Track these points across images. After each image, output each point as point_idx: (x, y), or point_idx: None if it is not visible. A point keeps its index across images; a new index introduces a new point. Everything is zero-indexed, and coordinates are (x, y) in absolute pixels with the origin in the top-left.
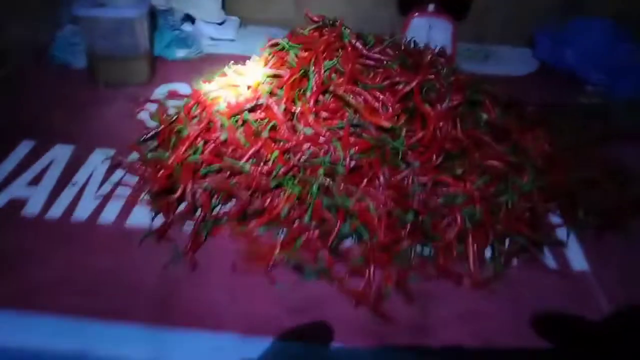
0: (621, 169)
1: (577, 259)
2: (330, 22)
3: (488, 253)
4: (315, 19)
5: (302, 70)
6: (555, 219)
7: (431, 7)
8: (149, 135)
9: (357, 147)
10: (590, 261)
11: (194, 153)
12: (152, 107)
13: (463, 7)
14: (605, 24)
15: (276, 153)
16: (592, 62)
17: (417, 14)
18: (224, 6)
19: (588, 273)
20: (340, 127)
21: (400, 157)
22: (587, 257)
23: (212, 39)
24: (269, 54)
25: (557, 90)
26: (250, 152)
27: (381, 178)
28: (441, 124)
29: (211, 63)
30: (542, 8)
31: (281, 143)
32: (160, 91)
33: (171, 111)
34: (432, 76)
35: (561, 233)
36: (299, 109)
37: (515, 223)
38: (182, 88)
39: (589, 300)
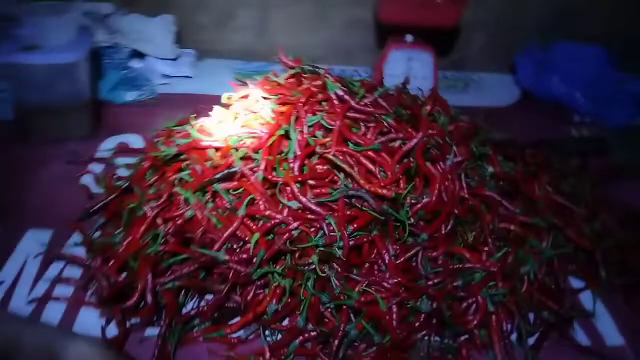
0: (633, 211)
1: (609, 331)
2: (310, 67)
3: (513, 335)
4: (291, 63)
5: (282, 129)
6: (575, 282)
7: (409, 37)
8: (94, 207)
9: (355, 223)
10: (623, 332)
11: (153, 240)
12: (98, 167)
13: (443, 35)
14: (591, 49)
15: (257, 236)
16: (580, 90)
17: (394, 46)
18: (177, 39)
19: (624, 348)
20: (333, 199)
21: (406, 230)
22: (619, 328)
23: (166, 76)
24: (239, 107)
25: (543, 121)
26: (225, 235)
27: (386, 258)
28: (446, 183)
29: (167, 106)
30: (524, 31)
31: (262, 222)
32: (107, 146)
33: (122, 172)
34: (433, 130)
35: (585, 297)
36: (281, 177)
37: (540, 297)
38: (134, 140)
39: None
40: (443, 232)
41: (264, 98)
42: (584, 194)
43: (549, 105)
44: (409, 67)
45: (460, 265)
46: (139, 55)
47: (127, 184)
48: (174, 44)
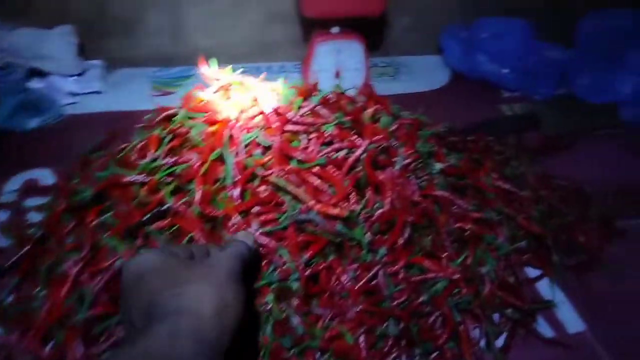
0: (575, 188)
1: (570, 318)
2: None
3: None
4: (216, 75)
5: (215, 152)
6: (530, 271)
7: (335, 29)
8: (4, 265)
9: (309, 250)
10: (583, 317)
11: (80, 302)
12: (3, 214)
13: (372, 23)
14: (513, 22)
15: None
16: (506, 65)
17: (321, 39)
18: (81, 49)
19: (586, 333)
20: (282, 227)
21: (363, 248)
22: (579, 313)
23: (73, 94)
24: (162, 131)
25: (475, 101)
26: None
27: (346, 282)
28: (397, 189)
29: (77, 129)
30: (447, 10)
31: None
32: (11, 186)
33: (33, 217)
34: (378, 136)
35: (542, 286)
36: (220, 209)
37: (502, 295)
38: (44, 176)
39: None
40: (400, 242)
41: (190, 118)
42: (526, 174)
43: (478, 84)
44: (338, 60)
45: (422, 277)
46: (37, 74)
47: (40, 232)
48: (77, 57)
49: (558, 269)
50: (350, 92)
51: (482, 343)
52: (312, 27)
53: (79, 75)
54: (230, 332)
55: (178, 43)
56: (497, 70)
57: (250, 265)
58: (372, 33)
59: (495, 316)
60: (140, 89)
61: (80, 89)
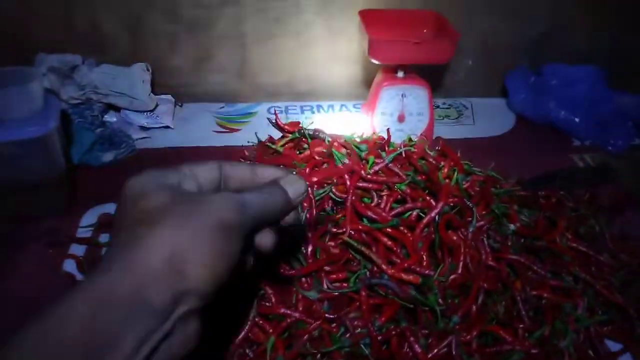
0: None
1: None
2: (310, 131)
3: None
4: (289, 128)
5: None
6: (610, 344)
7: (401, 73)
8: None
9: (382, 315)
10: None
11: None
12: (80, 249)
13: (437, 67)
14: (583, 68)
15: (272, 340)
16: (577, 113)
17: (386, 83)
18: (152, 86)
19: None
20: (354, 289)
21: (436, 315)
22: None
23: (144, 129)
24: None
25: (542, 148)
26: (239, 338)
27: (418, 349)
28: (470, 252)
29: (148, 162)
30: (511, 51)
31: (274, 322)
32: (88, 220)
33: None
34: (454, 197)
35: None
36: (294, 268)
37: None
38: None
39: None
40: (474, 309)
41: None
42: (603, 235)
43: (545, 130)
44: (402, 104)
45: (498, 348)
46: (112, 107)
47: None
48: (150, 92)
49: None
50: (415, 138)
51: None
52: (376, 69)
53: (151, 111)
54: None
55: (243, 80)
56: (567, 117)
57: (283, 230)
58: (435, 75)
59: None
60: (206, 125)
61: (151, 123)
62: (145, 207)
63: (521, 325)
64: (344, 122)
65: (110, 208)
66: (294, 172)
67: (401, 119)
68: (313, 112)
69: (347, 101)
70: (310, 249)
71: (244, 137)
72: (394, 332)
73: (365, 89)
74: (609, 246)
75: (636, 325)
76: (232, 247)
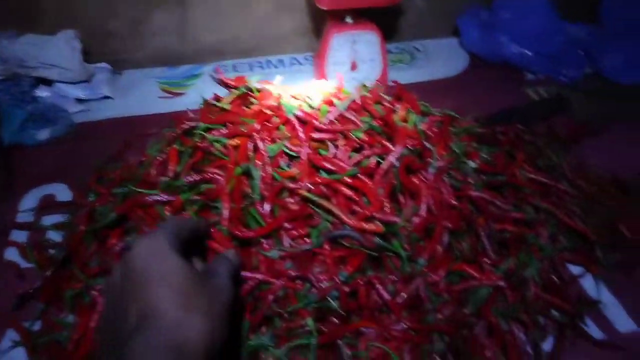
0: (612, 177)
1: (619, 317)
2: (256, 85)
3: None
4: (232, 82)
5: (240, 167)
6: (573, 269)
7: (349, 19)
8: (28, 291)
9: (347, 266)
10: (633, 316)
11: None
12: (22, 234)
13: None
14: (534, 2)
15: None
16: (529, 47)
17: (335, 30)
18: (86, 54)
19: (638, 333)
20: (317, 245)
21: (402, 260)
22: (628, 311)
23: (82, 101)
24: (181, 145)
25: (497, 85)
26: None
27: (387, 298)
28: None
29: (90, 138)
30: None
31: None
32: (27, 204)
33: (53, 236)
34: (411, 139)
35: (587, 283)
36: (250, 227)
37: (548, 298)
38: (60, 191)
39: None
40: (440, 250)
41: (208, 130)
42: (561, 165)
43: (500, 67)
44: (354, 52)
45: (465, 285)
46: (43, 81)
47: (62, 254)
48: (83, 63)
49: (603, 266)
50: (370, 85)
51: (529, 349)
52: (324, 17)
53: (86, 81)
54: None
55: (185, 41)
56: (520, 52)
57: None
58: (386, 19)
59: (541, 319)
60: (149, 91)
61: (89, 95)
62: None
63: (486, 260)
64: (297, 75)
65: (51, 189)
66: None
67: (354, 66)
68: (263, 69)
69: (297, 54)
70: (268, 208)
71: (191, 100)
72: (360, 282)
73: (315, 39)
74: (567, 175)
75: (596, 248)
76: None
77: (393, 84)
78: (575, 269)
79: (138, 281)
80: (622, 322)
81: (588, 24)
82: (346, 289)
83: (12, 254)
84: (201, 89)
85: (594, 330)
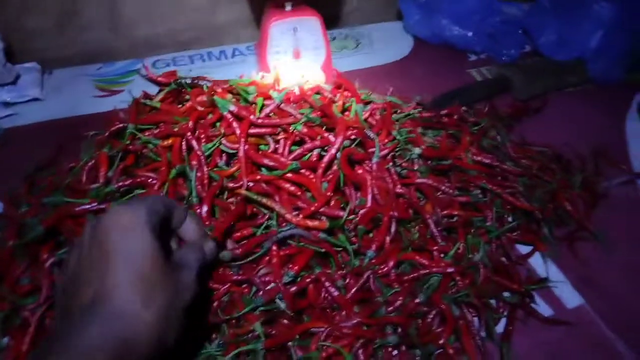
0: (553, 153)
1: (567, 293)
2: (186, 80)
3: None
4: (162, 79)
5: (175, 169)
6: (520, 247)
7: (288, 6)
8: None
9: (294, 265)
10: (580, 290)
11: None
12: None
13: None
14: None
15: None
16: (470, 28)
17: (275, 18)
18: (10, 53)
19: (585, 307)
20: (264, 251)
21: (349, 254)
22: (575, 286)
23: (8, 104)
24: (111, 148)
25: (442, 68)
26: None
27: (335, 294)
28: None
29: (18, 144)
30: None
31: None
32: None
33: None
34: (352, 130)
35: (534, 261)
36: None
37: (498, 280)
38: None
39: (603, 344)
40: (387, 240)
41: (138, 130)
42: (504, 145)
43: (443, 49)
44: (296, 39)
45: (416, 274)
46: None
47: None
48: (6, 63)
49: (549, 243)
50: (313, 73)
51: (483, 332)
52: (263, 5)
53: (12, 83)
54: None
55: (118, 36)
56: (461, 34)
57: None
58: (327, 5)
59: (492, 302)
60: (83, 91)
61: (15, 97)
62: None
63: (435, 247)
64: (240, 66)
65: None
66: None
67: (297, 55)
68: (204, 61)
69: (240, 44)
70: (205, 209)
71: (129, 98)
72: (308, 280)
73: (257, 29)
74: (511, 154)
75: (542, 226)
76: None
77: (334, 70)
78: (522, 248)
79: (103, 257)
80: (570, 297)
81: (524, 4)
82: (293, 288)
83: None
84: (140, 86)
85: (543, 308)
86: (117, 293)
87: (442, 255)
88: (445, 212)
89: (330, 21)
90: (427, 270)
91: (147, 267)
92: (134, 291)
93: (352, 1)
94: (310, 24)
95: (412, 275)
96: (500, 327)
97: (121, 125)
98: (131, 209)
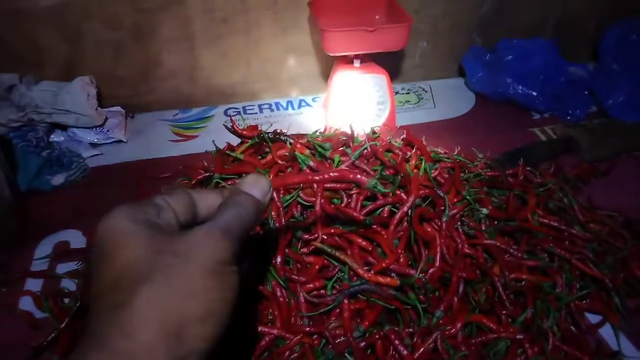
0: (623, 218)
1: None
2: (270, 134)
3: None
4: (246, 132)
5: None
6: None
7: (357, 62)
8: (43, 343)
9: (364, 320)
10: None
11: None
12: (37, 283)
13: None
14: (536, 42)
15: None
16: (534, 87)
17: (343, 74)
18: (99, 98)
19: None
20: (336, 304)
21: (419, 312)
22: None
23: (95, 145)
24: None
25: (505, 126)
26: None
27: (404, 352)
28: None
29: (103, 182)
30: (464, 30)
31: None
32: (42, 252)
33: (69, 286)
34: (424, 189)
35: (605, 332)
36: (269, 285)
37: (568, 350)
38: (74, 238)
39: None
40: (455, 301)
41: (222, 179)
42: (572, 207)
43: (505, 107)
44: (362, 94)
45: (484, 338)
46: (57, 126)
47: (78, 302)
48: (97, 108)
49: (620, 314)
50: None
51: None
52: (332, 59)
53: (100, 126)
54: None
55: (195, 84)
56: (525, 92)
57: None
58: (392, 61)
59: None
60: (161, 134)
61: (102, 139)
62: (126, 262)
63: (504, 312)
64: (305, 116)
65: (66, 235)
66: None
67: (363, 109)
68: (272, 110)
69: (305, 96)
70: (279, 259)
71: (202, 143)
72: (377, 337)
73: (324, 81)
74: (579, 218)
75: (613, 295)
76: (230, 283)
77: (401, 127)
78: (593, 317)
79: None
80: None
81: (589, 64)
82: (362, 343)
83: (26, 304)
84: (213, 131)
85: None
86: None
87: (510, 320)
88: (513, 275)
89: (394, 75)
90: (496, 335)
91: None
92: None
93: (415, 57)
94: (377, 80)
95: (480, 339)
96: None
97: (206, 174)
98: (125, 212)
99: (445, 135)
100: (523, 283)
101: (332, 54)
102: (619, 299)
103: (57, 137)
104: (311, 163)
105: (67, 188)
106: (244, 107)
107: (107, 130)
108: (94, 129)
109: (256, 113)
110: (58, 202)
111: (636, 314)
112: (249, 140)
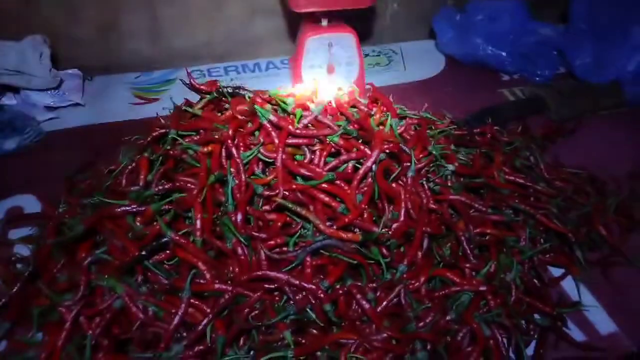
0: (588, 175)
1: (600, 318)
2: (229, 89)
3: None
4: (204, 87)
5: (214, 176)
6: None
7: (324, 22)
8: None
9: (329, 277)
10: (613, 316)
11: (79, 351)
12: None
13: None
14: (506, 3)
15: (211, 321)
16: (504, 48)
17: (311, 33)
18: (55, 60)
19: (619, 334)
20: (298, 262)
21: (382, 267)
22: (609, 312)
23: (51, 108)
24: (151, 153)
25: (474, 87)
26: (171, 326)
27: (367, 307)
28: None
29: (59, 147)
30: None
31: (211, 300)
32: None
33: (22, 251)
34: (388, 144)
35: (567, 284)
36: (230, 243)
37: (530, 302)
38: (28, 202)
39: None
40: (419, 255)
41: (180, 136)
42: (538, 165)
43: (475, 69)
44: (330, 54)
45: (447, 291)
46: (10, 90)
47: (29, 269)
48: (51, 70)
49: (582, 266)
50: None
51: (512, 354)
52: (299, 20)
53: (55, 88)
54: None
55: (156, 46)
56: (494, 53)
57: None
58: (362, 22)
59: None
60: (121, 98)
61: (58, 102)
62: None
63: (467, 265)
64: (274, 79)
65: (19, 200)
66: None
67: (331, 70)
68: (239, 73)
69: (274, 58)
70: (239, 217)
71: (164, 106)
72: (340, 292)
73: (292, 43)
74: (544, 175)
75: (575, 249)
76: None
77: (369, 86)
78: (555, 271)
79: None
80: (603, 323)
81: (558, 25)
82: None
83: None
84: (176, 94)
85: (575, 332)
86: None
87: (473, 273)
88: (477, 230)
89: (364, 37)
90: (459, 288)
91: None
92: None
93: (385, 19)
94: (346, 40)
95: (443, 292)
96: (530, 350)
97: (163, 130)
98: None
99: (414, 97)
100: (487, 237)
101: (298, 11)
102: (581, 253)
103: (9, 100)
104: (272, 117)
105: (21, 152)
106: (208, 70)
107: (64, 93)
108: (49, 92)
109: (222, 75)
110: (11, 166)
111: (597, 267)
112: (208, 96)
